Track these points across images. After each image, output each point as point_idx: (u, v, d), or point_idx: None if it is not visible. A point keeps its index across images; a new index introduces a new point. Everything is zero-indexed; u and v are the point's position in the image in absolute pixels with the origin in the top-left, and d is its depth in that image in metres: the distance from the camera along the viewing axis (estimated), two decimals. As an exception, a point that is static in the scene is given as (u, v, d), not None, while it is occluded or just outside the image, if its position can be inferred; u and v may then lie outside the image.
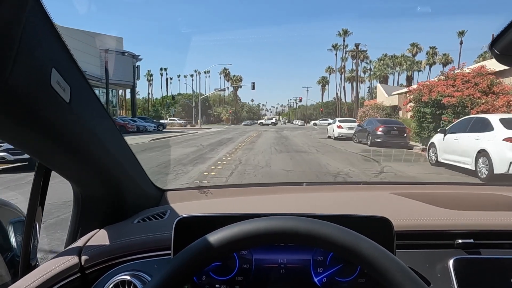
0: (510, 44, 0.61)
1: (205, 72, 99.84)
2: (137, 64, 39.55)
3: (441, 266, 0.96)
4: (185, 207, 1.32)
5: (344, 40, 71.33)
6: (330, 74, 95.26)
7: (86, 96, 0.85)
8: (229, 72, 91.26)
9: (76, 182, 1.08)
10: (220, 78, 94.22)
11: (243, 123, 71.69)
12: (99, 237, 1.06)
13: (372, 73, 67.32)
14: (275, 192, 1.57)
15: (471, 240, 1.00)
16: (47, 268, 0.89)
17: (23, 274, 0.94)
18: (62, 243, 1.20)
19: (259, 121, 76.83)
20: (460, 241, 1.00)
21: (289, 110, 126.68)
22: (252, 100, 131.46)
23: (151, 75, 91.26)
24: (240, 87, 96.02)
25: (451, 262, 0.96)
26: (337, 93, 76.98)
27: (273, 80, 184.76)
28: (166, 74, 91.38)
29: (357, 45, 58.20)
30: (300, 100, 70.76)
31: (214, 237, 0.66)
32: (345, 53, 70.80)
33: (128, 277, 0.93)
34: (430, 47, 66.02)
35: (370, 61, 71.55)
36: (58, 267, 0.90)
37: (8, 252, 1.08)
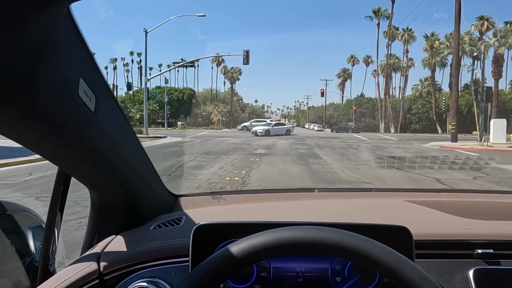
0: None
1: (192, 63, 78.34)
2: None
3: (461, 276, 0.99)
4: (200, 213, 1.36)
5: (393, 2, 49.45)
6: (353, 65, 74.11)
7: (110, 104, 0.91)
8: (222, 59, 69.58)
9: (95, 188, 1.15)
10: (212, 68, 73.52)
11: (239, 127, 57.25)
12: (117, 243, 1.10)
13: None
14: (288, 198, 1.62)
15: (491, 251, 1.02)
16: (66, 274, 0.93)
17: (42, 279, 0.99)
18: (77, 248, 1.30)
19: (241, 125, 52.97)
20: (479, 251, 1.02)
21: (297, 112, 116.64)
22: (256, 101, 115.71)
23: (115, 60, 69.24)
24: (238, 79, 74.60)
25: (471, 273, 0.98)
26: (385, 86, 54.57)
27: (279, 80, 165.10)
28: (140, 61, 69.38)
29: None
30: (322, 94, 48.96)
31: (241, 245, 0.69)
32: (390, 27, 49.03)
33: (146, 284, 0.96)
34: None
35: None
36: (78, 274, 0.94)
37: (27, 257, 1.12)
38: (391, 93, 53.17)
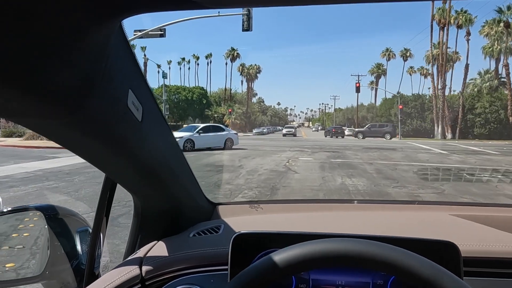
0: None
1: (206, 57, 69.38)
2: None
3: None
4: (238, 222, 1.35)
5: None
6: (388, 60, 63.57)
7: (155, 115, 0.94)
8: (237, 54, 60.09)
9: (139, 195, 1.18)
10: (226, 64, 64.17)
11: (254, 131, 50.17)
12: (158, 249, 1.13)
13: None
14: (326, 209, 1.59)
15: None
16: (111, 277, 0.97)
17: (88, 282, 1.05)
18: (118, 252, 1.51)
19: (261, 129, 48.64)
20: None
21: (321, 114, 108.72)
22: (279, 104, 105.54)
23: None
24: (256, 77, 65.14)
25: None
26: (438, 79, 44.59)
27: (303, 81, 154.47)
28: (144, 56, 60.88)
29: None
30: (358, 89, 38.70)
31: (284, 255, 0.68)
32: None
33: None
34: None
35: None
36: (121, 277, 0.97)
37: (74, 260, 1.18)
38: (440, 89, 42.26)
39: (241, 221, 1.38)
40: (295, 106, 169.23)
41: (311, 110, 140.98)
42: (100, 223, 1.12)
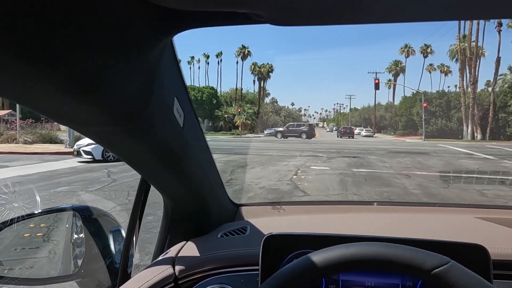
0: None
1: (216, 56, 66.78)
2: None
3: None
4: (264, 223, 1.36)
5: None
6: (407, 56, 59.92)
7: (193, 120, 0.98)
8: (248, 52, 57.25)
9: (171, 197, 1.20)
10: (237, 63, 61.62)
11: (265, 131, 47.30)
12: (189, 249, 1.16)
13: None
14: (347, 211, 1.59)
15: None
16: (145, 277, 0.99)
17: (122, 281, 1.08)
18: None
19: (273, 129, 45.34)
20: None
21: (336, 114, 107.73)
22: (293, 104, 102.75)
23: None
24: (269, 76, 62.36)
25: None
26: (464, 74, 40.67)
27: (317, 81, 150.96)
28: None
29: None
30: (377, 86, 35.37)
31: (321, 256, 0.69)
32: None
33: None
34: None
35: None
36: (156, 277, 0.99)
37: (108, 259, 1.21)
38: (466, 86, 38.46)
39: (266, 223, 1.39)
40: (309, 106, 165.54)
41: (326, 111, 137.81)
42: (134, 223, 1.14)
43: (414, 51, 62.24)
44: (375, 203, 1.65)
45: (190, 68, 77.28)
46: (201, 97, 54.03)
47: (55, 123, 14.84)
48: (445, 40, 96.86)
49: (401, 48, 63.02)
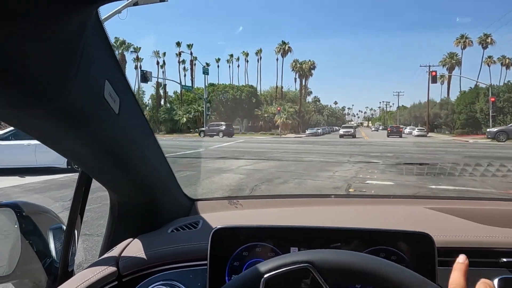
0: None
1: (256, 54, 64.34)
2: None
3: None
4: (217, 217, 1.35)
5: None
6: (464, 48, 54.26)
7: (132, 107, 0.92)
8: (289, 48, 54.16)
9: (116, 190, 1.16)
10: (277, 60, 58.98)
11: (307, 131, 45.35)
12: (135, 245, 1.11)
13: None
14: (304, 204, 1.58)
15: None
16: (86, 275, 0.95)
17: (62, 280, 1.02)
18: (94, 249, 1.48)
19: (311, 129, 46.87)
20: (504, 260, 1.01)
21: (382, 113, 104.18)
22: (336, 103, 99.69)
23: (164, 54, 57.16)
24: (311, 74, 59.21)
25: (496, 282, 0.98)
26: None
27: (361, 80, 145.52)
28: (191, 54, 56.60)
29: None
30: (434, 79, 30.54)
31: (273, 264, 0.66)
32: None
33: (163, 287, 0.97)
34: None
35: None
36: (97, 275, 0.95)
37: (47, 258, 1.14)
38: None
39: (220, 217, 1.37)
40: (353, 105, 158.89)
41: (371, 109, 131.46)
42: (74, 220, 1.09)
43: (471, 42, 56.16)
44: (333, 195, 1.67)
45: (229, 66, 75.31)
46: (240, 96, 52.08)
47: None
48: (508, 29, 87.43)
49: (457, 39, 57.00)
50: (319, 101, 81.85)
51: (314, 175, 8.95)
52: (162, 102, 57.30)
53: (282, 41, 61.03)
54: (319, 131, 47.41)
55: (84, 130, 0.77)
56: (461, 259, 0.67)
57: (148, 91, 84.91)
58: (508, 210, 1.46)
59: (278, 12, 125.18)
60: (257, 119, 54.65)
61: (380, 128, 71.70)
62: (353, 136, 36.00)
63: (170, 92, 59.39)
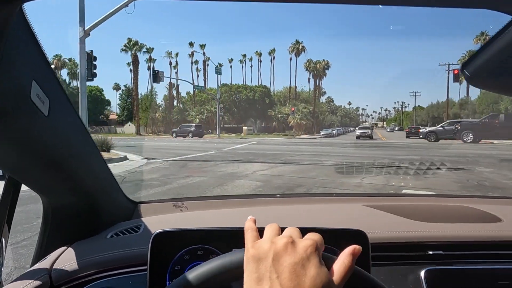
0: (480, 67, 0.64)
1: (269, 54, 63.48)
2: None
3: (414, 277, 1.04)
4: (160, 220, 1.34)
5: None
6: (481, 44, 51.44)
7: (64, 108, 0.89)
8: (303, 47, 53.14)
9: (47, 194, 1.11)
10: (291, 59, 58.03)
11: (322, 132, 44.32)
12: (70, 253, 1.07)
13: None
14: (247, 204, 1.59)
15: (441, 252, 1.09)
16: (15, 287, 0.89)
17: None
18: (28, 259, 1.25)
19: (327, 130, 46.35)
20: (430, 252, 1.08)
21: (397, 113, 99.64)
22: (350, 103, 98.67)
23: (176, 55, 56.63)
24: (325, 74, 58.06)
25: (422, 273, 1.03)
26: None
27: (374, 80, 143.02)
28: (204, 54, 55.99)
29: None
30: (456, 78, 28.91)
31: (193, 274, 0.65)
32: None
33: None
34: None
35: None
36: (27, 286, 0.90)
37: None
38: None
39: (163, 220, 1.34)
40: (367, 105, 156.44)
41: (385, 110, 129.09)
42: (1, 228, 1.02)
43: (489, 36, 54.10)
44: (278, 195, 1.70)
45: (242, 67, 74.57)
46: (253, 97, 51.33)
47: None
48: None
49: (477, 37, 55.13)
50: (333, 101, 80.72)
51: (339, 182, 7.89)
52: (175, 103, 57.00)
53: (296, 40, 60.14)
54: (334, 132, 46.03)
55: (10, 134, 0.73)
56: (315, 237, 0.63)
57: (161, 92, 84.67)
58: (437, 206, 1.53)
59: (292, 11, 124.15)
60: (271, 120, 53.78)
61: (396, 128, 69.93)
62: (371, 137, 34.71)
63: (183, 93, 59.04)
